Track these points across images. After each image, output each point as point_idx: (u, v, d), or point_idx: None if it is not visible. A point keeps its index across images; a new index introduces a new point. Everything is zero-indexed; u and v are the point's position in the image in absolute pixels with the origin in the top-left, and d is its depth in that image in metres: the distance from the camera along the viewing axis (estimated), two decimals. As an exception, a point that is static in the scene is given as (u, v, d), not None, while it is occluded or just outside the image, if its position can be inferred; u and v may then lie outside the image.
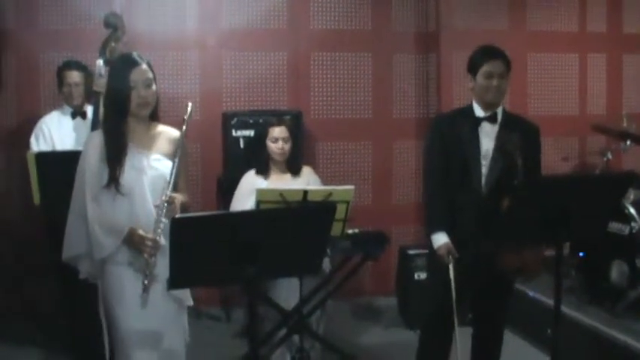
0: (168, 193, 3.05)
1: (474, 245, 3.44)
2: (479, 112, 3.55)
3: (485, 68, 3.48)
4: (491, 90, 3.47)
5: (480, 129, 3.52)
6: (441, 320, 3.66)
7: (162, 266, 2.98)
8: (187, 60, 5.79)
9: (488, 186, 3.47)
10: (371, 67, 6.17)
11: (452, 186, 3.55)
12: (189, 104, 3.22)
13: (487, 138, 3.51)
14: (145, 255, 3.01)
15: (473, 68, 3.55)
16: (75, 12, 5.54)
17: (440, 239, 3.53)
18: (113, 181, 3.05)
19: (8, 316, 5.26)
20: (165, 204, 3.02)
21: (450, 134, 3.54)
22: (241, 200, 4.36)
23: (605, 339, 4.36)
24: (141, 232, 3.03)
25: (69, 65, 4.84)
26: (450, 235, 3.55)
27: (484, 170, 3.48)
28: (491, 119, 3.53)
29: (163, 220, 3.01)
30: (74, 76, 4.81)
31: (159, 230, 3.01)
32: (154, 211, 3.07)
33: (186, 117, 3.17)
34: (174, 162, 3.11)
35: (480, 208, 3.44)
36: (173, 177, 3.08)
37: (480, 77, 3.49)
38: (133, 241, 3.03)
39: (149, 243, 3.00)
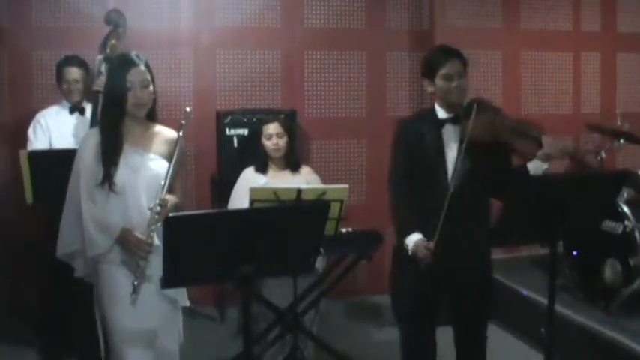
0: (162, 196, 3.05)
1: (445, 247, 3.39)
2: (441, 114, 3.49)
3: (443, 70, 3.40)
4: (453, 91, 3.40)
5: (443, 131, 3.48)
6: (418, 328, 3.63)
7: (155, 266, 2.99)
8: (181, 58, 5.78)
9: (455, 187, 3.38)
10: (365, 66, 6.17)
11: (419, 190, 3.49)
12: (188, 109, 3.20)
13: (451, 140, 3.45)
14: (138, 258, 3.01)
15: (430, 72, 3.47)
16: (68, 10, 5.52)
17: (413, 238, 3.43)
18: (107, 180, 3.06)
19: (3, 316, 5.24)
20: (159, 207, 3.03)
21: (414, 139, 3.48)
22: (240, 198, 4.35)
23: (599, 337, 4.37)
24: (137, 234, 3.04)
25: (69, 61, 4.81)
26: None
27: (449, 172, 3.42)
28: (454, 120, 3.46)
29: (156, 224, 3.02)
30: (73, 73, 4.78)
31: (151, 233, 3.02)
32: (147, 211, 3.07)
33: (184, 122, 3.16)
34: (170, 165, 3.11)
35: (449, 211, 3.36)
36: (169, 179, 3.09)
37: (439, 80, 3.41)
38: (127, 242, 3.04)
39: (145, 247, 3.00)
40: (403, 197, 3.52)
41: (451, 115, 3.46)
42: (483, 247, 3.56)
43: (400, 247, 3.58)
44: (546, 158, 3.29)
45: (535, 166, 3.29)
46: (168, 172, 3.10)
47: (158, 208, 3.03)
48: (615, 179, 3.23)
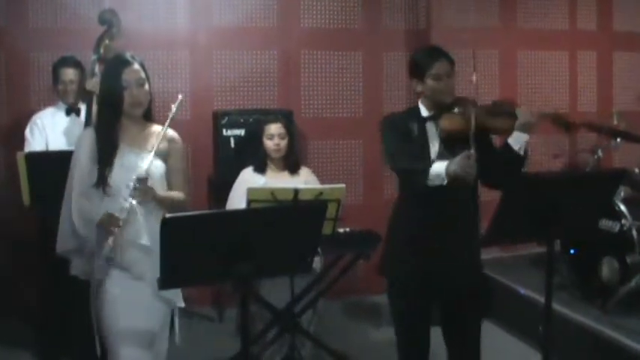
0: (141, 173, 3.04)
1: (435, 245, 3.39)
2: (424, 111, 3.50)
3: (433, 71, 3.39)
4: (443, 91, 3.41)
5: (426, 129, 3.48)
6: (412, 327, 3.62)
7: (149, 266, 3.02)
8: (178, 59, 5.77)
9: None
10: (361, 66, 6.17)
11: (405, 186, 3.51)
12: (180, 97, 3.20)
13: (433, 136, 3.47)
14: (107, 232, 3.00)
15: (418, 73, 3.45)
16: (65, 10, 5.51)
17: (440, 166, 3.21)
18: (101, 181, 3.06)
19: (3, 316, 5.24)
20: (137, 184, 3.01)
21: (403, 132, 3.49)
22: (237, 198, 4.35)
23: (596, 335, 4.38)
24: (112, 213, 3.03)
25: (64, 62, 4.80)
26: (412, 238, 3.47)
27: None
28: (436, 118, 3.47)
29: (130, 199, 3.01)
30: (69, 74, 4.77)
31: (124, 208, 3.01)
32: (137, 208, 3.08)
33: (174, 107, 3.17)
34: (152, 152, 3.11)
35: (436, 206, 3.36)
36: (150, 162, 3.09)
37: (429, 80, 3.40)
38: (101, 220, 3.02)
39: (115, 222, 2.99)
40: (410, 158, 3.39)
41: (432, 113, 3.47)
42: (473, 245, 3.55)
43: (400, 219, 3.54)
44: (525, 128, 3.24)
45: (516, 139, 3.25)
46: (150, 157, 3.09)
47: (133, 184, 3.02)
48: (612, 178, 3.23)
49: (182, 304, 3.28)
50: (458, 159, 3.17)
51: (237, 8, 5.86)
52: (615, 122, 5.22)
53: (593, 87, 6.67)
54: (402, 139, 3.44)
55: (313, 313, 4.45)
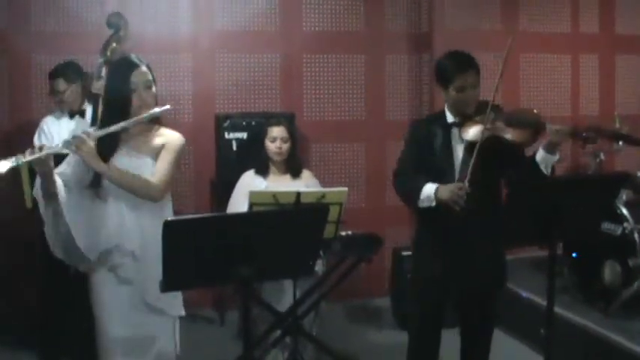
0: (88, 130, 2.98)
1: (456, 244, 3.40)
2: (450, 117, 3.50)
3: (458, 82, 3.37)
4: (466, 103, 3.41)
5: (451, 134, 3.48)
6: (427, 322, 3.64)
7: (135, 271, 3.04)
8: (180, 62, 5.78)
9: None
10: (364, 69, 6.17)
11: None
12: (167, 106, 3.10)
13: (458, 142, 3.47)
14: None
15: (443, 81, 3.44)
16: (67, 14, 5.52)
17: (431, 188, 3.36)
18: (95, 183, 3.05)
19: (3, 316, 5.24)
20: (78, 133, 2.94)
21: (425, 139, 3.49)
22: (239, 201, 4.35)
23: (598, 338, 4.38)
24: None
25: (54, 73, 4.79)
26: (431, 239, 3.53)
27: (457, 174, 3.41)
28: (460, 124, 3.48)
29: (61, 144, 2.93)
30: (59, 85, 4.75)
31: (50, 149, 2.91)
32: (126, 212, 3.06)
33: (157, 109, 3.06)
34: (121, 124, 3.01)
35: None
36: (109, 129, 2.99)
37: (453, 91, 3.40)
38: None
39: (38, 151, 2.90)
40: (408, 177, 3.51)
41: (456, 120, 3.47)
42: (496, 248, 3.54)
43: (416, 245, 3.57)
44: (552, 148, 3.23)
45: (543, 159, 3.25)
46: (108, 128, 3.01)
47: (75, 138, 2.92)
48: (614, 181, 3.24)
49: (182, 313, 3.23)
50: (451, 187, 3.28)
51: (239, 12, 5.86)
52: (617, 125, 5.21)
53: (595, 90, 6.67)
54: (416, 153, 3.51)
55: (315, 315, 4.45)
